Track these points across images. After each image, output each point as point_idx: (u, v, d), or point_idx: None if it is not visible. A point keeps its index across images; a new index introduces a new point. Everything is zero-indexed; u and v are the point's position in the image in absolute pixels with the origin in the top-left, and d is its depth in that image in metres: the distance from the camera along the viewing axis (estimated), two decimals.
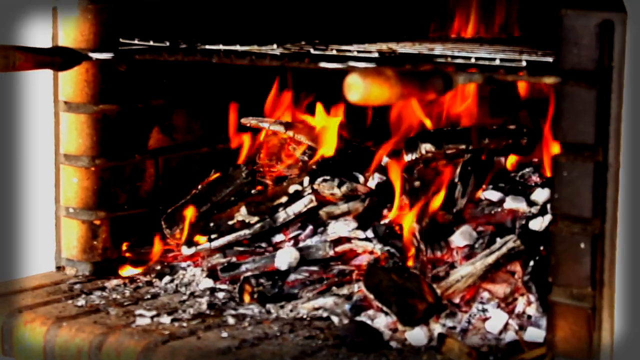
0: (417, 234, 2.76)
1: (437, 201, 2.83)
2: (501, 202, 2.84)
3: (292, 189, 3.05)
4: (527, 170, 2.92)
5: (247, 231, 2.98)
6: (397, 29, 3.34)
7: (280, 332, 2.59)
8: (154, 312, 2.72)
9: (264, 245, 2.99)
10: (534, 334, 2.48)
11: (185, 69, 3.10)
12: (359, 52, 2.66)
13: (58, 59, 2.80)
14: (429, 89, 2.13)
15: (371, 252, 2.84)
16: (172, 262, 3.03)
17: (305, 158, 3.22)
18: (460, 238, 2.76)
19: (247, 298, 2.79)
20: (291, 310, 2.73)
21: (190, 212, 3.06)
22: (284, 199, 3.02)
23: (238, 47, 2.77)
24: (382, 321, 2.58)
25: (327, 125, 3.19)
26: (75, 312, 2.75)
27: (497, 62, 2.46)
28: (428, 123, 3.07)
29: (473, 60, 2.50)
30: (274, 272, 2.83)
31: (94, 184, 3.02)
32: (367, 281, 2.63)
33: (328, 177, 3.01)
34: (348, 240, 2.89)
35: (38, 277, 3.02)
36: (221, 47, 2.79)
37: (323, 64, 2.61)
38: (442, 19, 3.35)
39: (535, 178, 2.89)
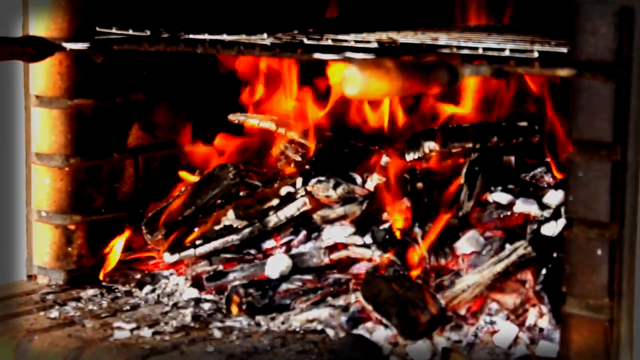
0: (419, 241, 2.77)
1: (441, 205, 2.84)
2: (511, 205, 2.85)
3: (283, 190, 3.06)
4: (539, 170, 2.93)
5: (235, 237, 2.99)
6: (398, 17, 3.34)
7: (270, 347, 2.59)
8: (133, 325, 2.73)
9: (253, 252, 3.00)
10: (547, 349, 2.49)
11: (168, 60, 3.11)
12: (356, 42, 2.66)
13: (29, 49, 2.81)
14: (433, 82, 2.14)
15: (370, 260, 2.85)
16: (154, 270, 3.04)
17: (298, 157, 3.23)
18: (466, 244, 2.77)
19: (234, 309, 2.80)
20: (283, 323, 2.73)
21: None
22: (275, 202, 3.03)
23: (225, 37, 2.77)
24: (381, 334, 2.59)
25: None
26: (48, 324, 2.75)
27: (507, 53, 2.46)
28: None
29: (481, 51, 2.50)
30: (264, 282, 2.84)
31: (68, 185, 3.02)
32: (365, 291, 2.64)
33: (323, 178, 3.02)
34: (345, 246, 2.90)
35: (7, 286, 3.04)
36: (207, 36, 2.79)
37: (317, 55, 2.61)
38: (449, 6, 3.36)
39: (548, 179, 2.90)
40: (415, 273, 2.72)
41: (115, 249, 3.08)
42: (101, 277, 3.04)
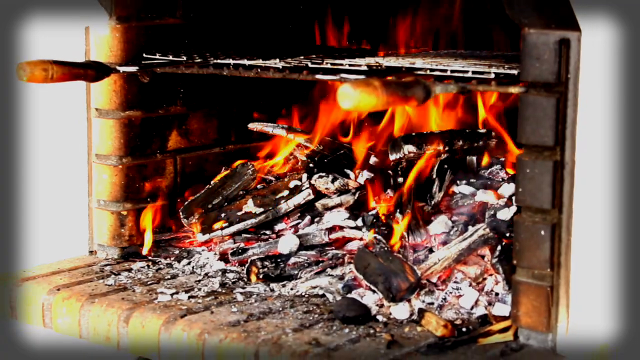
0: (400, 224, 2.77)
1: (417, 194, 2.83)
2: (473, 195, 2.84)
3: (292, 184, 3.06)
4: (495, 167, 2.92)
5: (253, 220, 2.98)
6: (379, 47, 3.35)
7: (282, 308, 2.59)
8: (173, 290, 2.72)
9: (268, 232, 2.99)
10: (501, 309, 2.48)
11: (200, 80, 3.10)
12: (350, 65, 2.66)
13: (90, 71, 2.80)
14: (411, 98, 2.13)
15: (360, 239, 2.84)
16: (189, 247, 3.04)
17: (304, 157, 3.22)
18: (437, 226, 2.76)
19: (253, 278, 2.79)
20: (292, 289, 2.73)
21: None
22: (285, 193, 3.02)
23: (245, 62, 2.77)
24: (370, 298, 2.58)
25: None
26: (105, 290, 2.75)
27: (470, 74, 2.45)
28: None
29: (449, 72, 2.49)
30: (277, 256, 2.84)
31: (122, 179, 3.02)
32: (357, 264, 2.63)
33: (323, 174, 3.01)
34: (341, 228, 2.89)
35: (73, 260, 3.02)
36: (231, 61, 2.79)
37: (319, 76, 2.61)
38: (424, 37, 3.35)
39: (502, 174, 2.89)
40: (396, 248, 2.72)
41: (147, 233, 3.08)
42: (145, 252, 3.03)
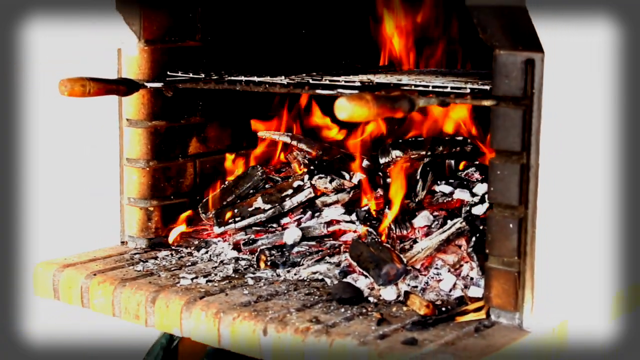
0: (388, 218, 2.78)
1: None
2: (451, 193, 2.85)
3: (296, 184, 3.06)
4: (470, 169, 2.94)
5: (262, 215, 2.99)
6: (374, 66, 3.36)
7: (287, 290, 2.60)
8: (193, 275, 2.73)
9: (274, 225, 3.00)
10: (475, 291, 2.49)
11: (216, 94, 3.10)
12: (345, 81, 2.67)
13: (122, 87, 2.81)
14: (398, 110, 2.14)
15: (354, 231, 2.85)
16: (207, 238, 3.04)
17: (306, 161, 3.23)
18: (421, 220, 2.77)
19: (262, 265, 2.80)
20: (295, 274, 2.74)
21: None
22: (289, 191, 3.03)
23: (255, 78, 2.77)
24: (363, 282, 2.59)
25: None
26: (135, 275, 2.75)
27: (449, 89, 2.46)
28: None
29: (431, 88, 2.50)
30: (283, 246, 2.84)
31: (149, 180, 3.03)
32: (352, 252, 2.64)
33: (322, 175, 3.02)
34: (338, 222, 2.90)
35: (107, 249, 3.03)
36: (243, 78, 2.79)
37: (319, 91, 2.61)
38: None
39: (477, 175, 2.91)
40: (384, 239, 2.73)
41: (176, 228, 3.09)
42: (170, 242, 3.06)
